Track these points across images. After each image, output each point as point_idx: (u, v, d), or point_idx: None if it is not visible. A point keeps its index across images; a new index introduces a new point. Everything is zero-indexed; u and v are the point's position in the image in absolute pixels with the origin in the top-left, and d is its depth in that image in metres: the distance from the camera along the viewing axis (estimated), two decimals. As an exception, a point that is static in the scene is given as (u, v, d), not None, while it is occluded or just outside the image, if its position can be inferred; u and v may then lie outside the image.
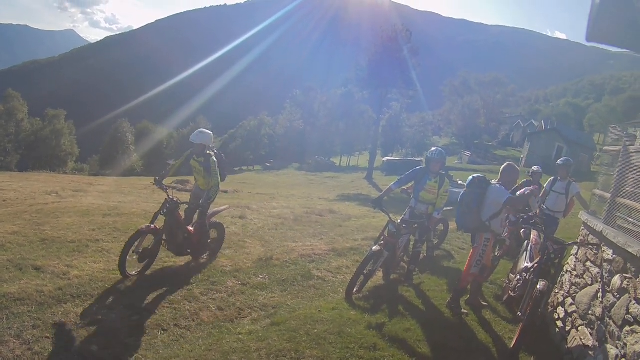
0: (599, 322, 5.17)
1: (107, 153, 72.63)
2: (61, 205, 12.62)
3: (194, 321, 6.09)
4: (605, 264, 5.47)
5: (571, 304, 6.25)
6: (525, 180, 11.88)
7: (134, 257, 7.17)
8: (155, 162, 71.47)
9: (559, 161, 10.49)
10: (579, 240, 6.73)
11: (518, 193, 7.41)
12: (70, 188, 19.61)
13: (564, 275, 7.09)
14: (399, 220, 8.41)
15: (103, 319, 5.75)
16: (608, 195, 6.37)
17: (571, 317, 6.10)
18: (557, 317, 6.66)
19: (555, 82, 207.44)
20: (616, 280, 5.01)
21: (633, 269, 4.68)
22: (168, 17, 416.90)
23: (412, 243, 9.00)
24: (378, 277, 8.46)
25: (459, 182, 22.13)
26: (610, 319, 4.89)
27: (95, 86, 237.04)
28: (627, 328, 4.47)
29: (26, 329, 5.20)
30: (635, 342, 4.24)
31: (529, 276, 6.64)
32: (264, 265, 8.63)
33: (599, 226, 5.87)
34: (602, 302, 5.26)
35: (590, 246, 6.08)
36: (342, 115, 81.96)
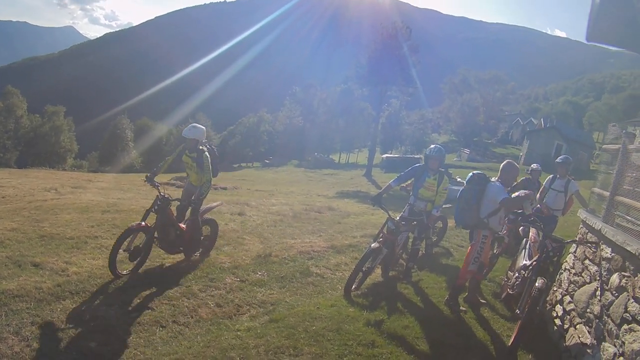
0: (597, 320, 5.18)
1: (106, 150, 72.34)
2: (60, 201, 12.62)
3: (192, 318, 6.09)
4: (603, 262, 5.47)
5: (569, 302, 6.26)
6: (524, 177, 11.89)
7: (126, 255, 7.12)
8: (154, 159, 71.21)
9: (558, 159, 10.48)
10: (577, 238, 6.74)
11: (514, 195, 7.40)
12: (69, 184, 19.59)
13: (562, 273, 7.10)
14: (398, 218, 8.43)
15: (101, 315, 5.74)
16: (607, 193, 6.37)
17: (569, 315, 6.10)
18: (555, 315, 6.67)
19: (555, 80, 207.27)
20: (614, 278, 5.01)
21: (631, 267, 4.69)
22: (168, 13, 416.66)
23: (410, 240, 9.02)
24: (377, 274, 8.48)
25: (458, 179, 22.14)
26: (608, 317, 4.89)
27: (94, 83, 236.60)
28: (625, 326, 4.47)
29: (25, 326, 5.20)
30: (634, 340, 4.25)
31: (528, 274, 6.64)
32: (262, 262, 8.63)
33: (598, 224, 5.87)
34: (600, 300, 5.26)
35: (589, 244, 6.09)
36: (342, 112, 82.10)
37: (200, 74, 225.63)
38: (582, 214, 6.96)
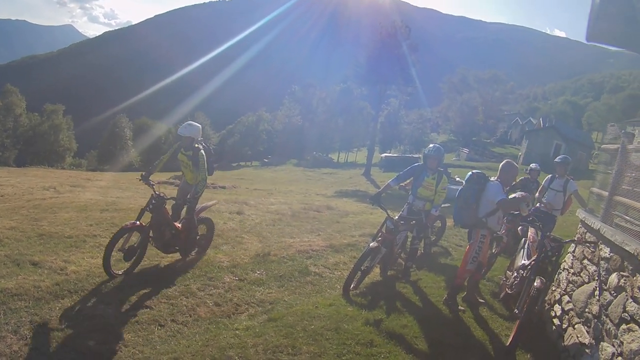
0: (596, 320, 5.18)
1: (105, 148, 72.36)
2: (59, 200, 12.61)
3: (190, 317, 6.09)
4: (602, 262, 5.48)
5: (568, 302, 6.26)
6: (523, 177, 11.92)
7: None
8: (153, 158, 70.81)
9: (557, 159, 10.49)
10: (576, 238, 6.75)
11: (511, 196, 7.40)
12: (68, 183, 19.60)
13: (561, 272, 7.11)
14: (396, 217, 8.43)
15: (100, 314, 5.74)
16: (605, 193, 6.38)
17: (568, 314, 6.11)
18: (553, 314, 6.68)
19: (554, 79, 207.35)
20: (613, 278, 5.02)
21: (630, 267, 4.69)
22: (167, 12, 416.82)
23: (409, 240, 9.02)
24: (375, 274, 8.48)
25: (457, 178, 22.22)
26: (607, 317, 4.89)
27: (93, 81, 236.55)
28: (623, 326, 4.48)
29: (23, 324, 5.20)
30: (632, 340, 4.25)
31: (526, 273, 6.65)
32: (261, 261, 8.62)
33: (597, 224, 5.88)
34: (599, 300, 5.26)
35: (588, 244, 6.09)
36: (341, 112, 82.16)
37: (200, 73, 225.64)
38: (580, 213, 6.97)
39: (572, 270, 6.57)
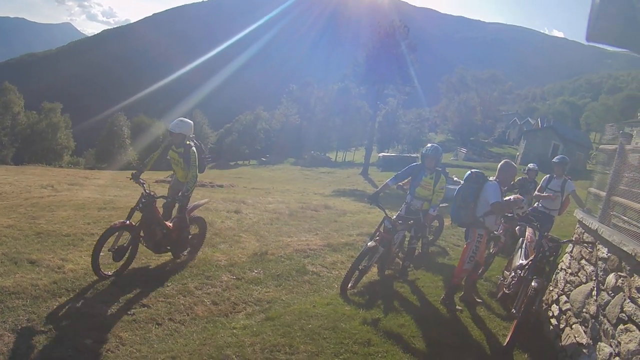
0: (593, 320, 5.19)
1: (103, 147, 72.26)
2: (56, 198, 12.59)
3: (188, 315, 6.08)
4: (600, 262, 5.48)
5: (565, 302, 6.27)
6: (521, 177, 11.93)
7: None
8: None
9: (555, 159, 10.50)
10: (573, 238, 6.75)
11: (506, 198, 7.40)
12: (66, 182, 19.56)
13: (558, 273, 7.11)
14: (394, 216, 8.44)
15: (97, 312, 5.74)
16: (603, 193, 6.39)
17: (565, 314, 6.12)
18: (551, 314, 6.68)
19: (553, 80, 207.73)
20: (611, 278, 5.02)
21: (628, 268, 4.69)
22: (165, 10, 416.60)
23: (407, 239, 9.03)
24: (373, 273, 8.49)
25: (455, 178, 22.22)
26: (604, 317, 4.90)
27: (92, 80, 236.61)
28: (621, 326, 4.48)
29: (21, 323, 5.20)
30: (629, 340, 4.25)
31: (524, 273, 6.66)
32: (258, 260, 8.61)
33: (594, 224, 5.88)
34: (596, 300, 5.27)
35: (585, 244, 6.10)
36: (339, 111, 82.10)
37: (198, 72, 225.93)
38: (578, 214, 6.98)
39: (569, 271, 6.57)
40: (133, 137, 74.33)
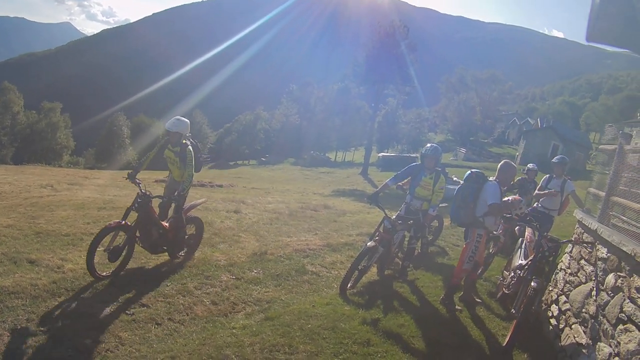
0: (593, 321, 5.19)
1: (102, 147, 72.24)
2: (56, 198, 12.58)
3: (187, 315, 6.08)
4: (599, 262, 5.48)
5: (565, 302, 6.27)
6: (520, 177, 11.94)
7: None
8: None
9: (554, 159, 10.51)
10: (573, 238, 6.74)
11: (505, 199, 7.39)
12: (66, 181, 19.53)
13: (558, 273, 7.11)
14: (394, 216, 8.44)
15: (97, 312, 5.74)
16: (602, 193, 6.39)
17: (565, 315, 6.11)
18: (550, 314, 6.68)
19: (552, 80, 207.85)
20: (610, 278, 5.02)
21: (627, 268, 4.69)
22: (165, 10, 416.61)
23: (406, 239, 9.03)
24: (372, 273, 8.49)
25: (454, 178, 22.22)
26: (603, 318, 4.90)
27: (91, 79, 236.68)
28: (620, 326, 4.48)
29: (20, 323, 5.19)
30: (629, 340, 4.25)
31: (523, 273, 6.66)
32: (258, 260, 8.61)
33: (594, 224, 5.88)
34: (595, 301, 5.27)
35: (585, 244, 6.10)
36: (339, 111, 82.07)
37: (198, 72, 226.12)
38: (578, 214, 6.98)
39: (569, 271, 6.57)
40: (133, 137, 74.31)
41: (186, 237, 8.19)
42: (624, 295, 4.60)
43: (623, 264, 4.82)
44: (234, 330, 5.70)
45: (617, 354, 4.40)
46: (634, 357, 4.10)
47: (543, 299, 7.17)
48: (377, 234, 8.28)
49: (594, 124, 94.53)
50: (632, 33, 4.23)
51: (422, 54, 53.17)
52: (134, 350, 5.06)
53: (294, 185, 33.92)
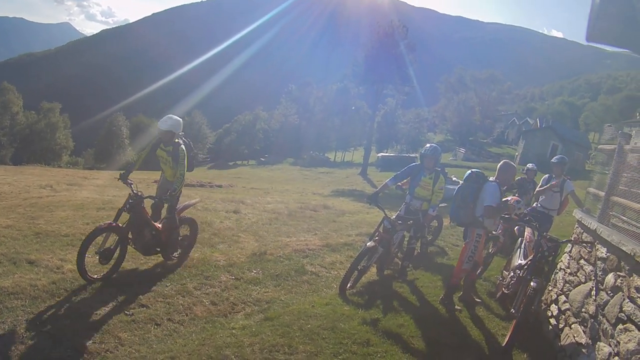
0: (592, 320, 5.19)
1: (102, 147, 72.31)
2: (55, 199, 12.57)
3: (187, 315, 6.08)
4: (599, 262, 5.48)
5: (564, 302, 6.27)
6: (519, 177, 11.94)
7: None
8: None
9: (553, 159, 10.50)
10: (572, 238, 6.76)
11: (504, 199, 7.39)
12: (65, 182, 19.53)
13: (557, 272, 7.12)
14: (394, 217, 8.44)
15: (96, 313, 5.73)
16: (602, 193, 6.39)
17: (564, 314, 6.11)
18: (550, 314, 6.68)
19: (551, 80, 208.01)
20: (610, 278, 5.02)
21: (627, 267, 4.69)
22: (164, 10, 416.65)
23: (406, 239, 9.04)
24: (372, 273, 8.49)
25: (454, 178, 22.22)
26: (603, 317, 4.90)
27: (91, 80, 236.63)
28: (620, 326, 4.48)
29: (20, 323, 5.18)
30: (629, 340, 4.25)
31: (523, 273, 6.65)
32: (257, 260, 8.61)
33: (593, 224, 5.88)
34: (595, 300, 5.27)
35: (584, 244, 6.10)
36: (338, 111, 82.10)
37: (197, 72, 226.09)
38: (577, 213, 6.98)
39: (568, 270, 6.57)
40: (132, 137, 74.39)
41: (180, 238, 8.05)
42: (623, 295, 4.60)
43: (622, 263, 4.82)
44: (233, 331, 5.69)
45: (617, 354, 4.40)
46: (633, 357, 4.10)
47: (542, 298, 7.18)
48: (376, 234, 8.28)
49: (593, 124, 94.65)
50: (632, 33, 4.23)
51: (421, 54, 53.20)
52: (134, 351, 5.06)
53: (293, 185, 33.96)
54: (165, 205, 7.90)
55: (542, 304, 7.16)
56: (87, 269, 6.47)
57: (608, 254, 5.25)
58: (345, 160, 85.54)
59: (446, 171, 12.13)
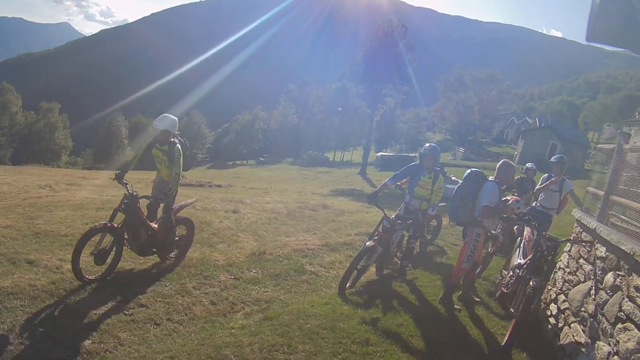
0: (592, 319, 5.19)
1: (101, 147, 72.27)
2: (54, 199, 12.56)
3: (186, 315, 6.07)
4: (598, 261, 5.48)
5: (564, 301, 6.27)
6: (519, 176, 11.93)
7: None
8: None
9: (553, 158, 10.50)
10: (572, 237, 6.76)
11: (504, 199, 7.39)
12: (64, 182, 19.51)
13: (556, 272, 7.12)
14: (393, 216, 8.44)
15: (96, 313, 5.72)
16: (601, 192, 6.39)
17: (564, 313, 6.12)
18: (549, 313, 6.69)
19: (551, 79, 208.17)
20: (609, 277, 5.02)
21: (626, 267, 4.70)
22: (163, 10, 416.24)
23: (405, 239, 9.03)
24: (371, 273, 8.48)
25: (453, 178, 22.20)
26: (602, 316, 4.90)
27: (90, 80, 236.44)
28: (619, 325, 4.48)
29: (19, 323, 5.18)
30: (628, 339, 4.26)
31: (522, 273, 6.65)
32: (257, 260, 8.61)
33: (592, 223, 5.89)
34: (594, 299, 5.27)
35: (584, 243, 6.10)
36: (337, 111, 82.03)
37: (196, 72, 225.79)
38: (576, 213, 6.98)
39: (568, 270, 6.58)
40: (131, 137, 74.34)
41: (176, 238, 8.01)
42: (622, 294, 4.60)
43: (622, 262, 4.82)
44: (232, 330, 5.69)
45: (616, 353, 4.40)
46: (633, 356, 4.11)
47: (542, 298, 7.18)
48: (376, 233, 8.28)
49: (592, 123, 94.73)
50: (632, 33, 4.24)
51: (420, 54, 53.13)
52: (133, 351, 5.06)
53: (292, 185, 33.96)
54: (161, 205, 7.80)
55: (542, 303, 7.16)
56: (82, 270, 6.41)
57: (607, 253, 5.26)
58: (344, 160, 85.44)
59: (445, 170, 12.11)
